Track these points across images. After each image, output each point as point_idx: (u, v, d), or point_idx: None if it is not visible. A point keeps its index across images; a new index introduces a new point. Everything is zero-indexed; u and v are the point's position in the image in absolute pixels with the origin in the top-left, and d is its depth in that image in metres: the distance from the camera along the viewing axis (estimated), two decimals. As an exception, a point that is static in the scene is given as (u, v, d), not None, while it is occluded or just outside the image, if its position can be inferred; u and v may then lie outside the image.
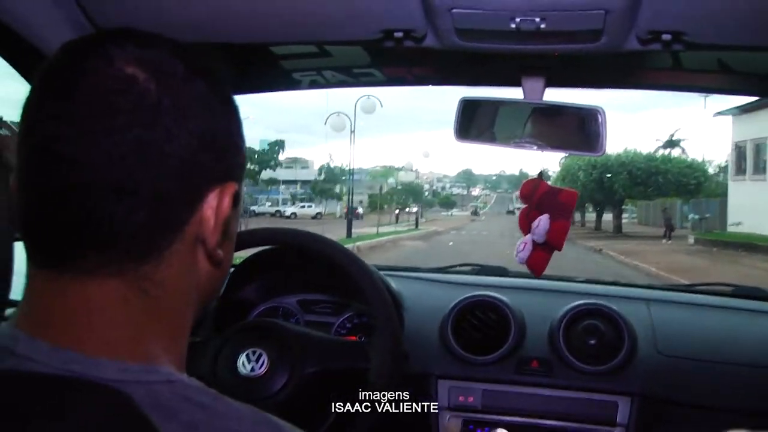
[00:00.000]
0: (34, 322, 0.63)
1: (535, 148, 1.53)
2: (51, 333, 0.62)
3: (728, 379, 1.74)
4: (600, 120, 1.46)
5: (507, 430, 1.74)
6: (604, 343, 1.75)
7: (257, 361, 1.40)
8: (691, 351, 1.81)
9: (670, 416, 1.73)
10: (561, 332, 1.77)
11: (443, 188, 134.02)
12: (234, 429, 0.62)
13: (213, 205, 0.68)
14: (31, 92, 0.65)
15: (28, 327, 0.63)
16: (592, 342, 1.76)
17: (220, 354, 1.43)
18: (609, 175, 36.51)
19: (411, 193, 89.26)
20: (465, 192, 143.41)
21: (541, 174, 1.65)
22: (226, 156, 0.70)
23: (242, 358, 1.40)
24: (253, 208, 57.51)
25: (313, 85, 1.73)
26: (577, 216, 57.68)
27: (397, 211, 49.91)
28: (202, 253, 0.69)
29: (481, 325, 1.82)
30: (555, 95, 1.52)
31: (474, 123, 1.57)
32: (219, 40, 1.38)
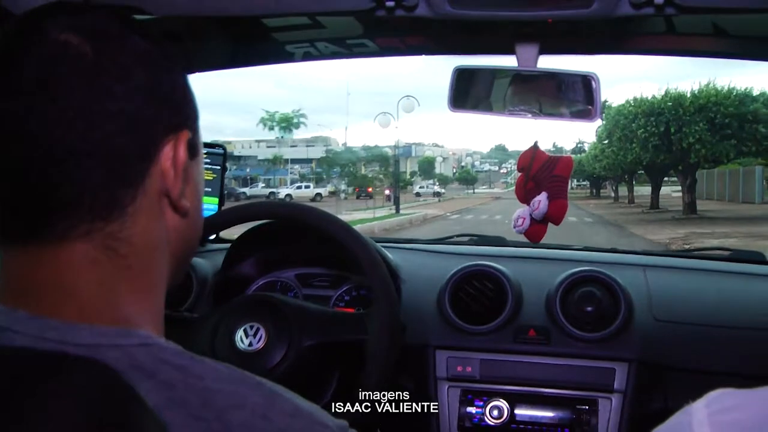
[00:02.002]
0: (12, 293, 0.65)
1: (530, 116, 1.53)
2: (28, 302, 0.64)
3: (725, 342, 1.75)
4: (594, 86, 1.46)
5: (505, 399, 1.75)
6: (601, 310, 1.76)
7: (255, 335, 1.41)
8: (688, 316, 1.82)
9: (667, 381, 1.74)
10: (558, 300, 1.78)
11: (473, 164, 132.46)
12: (210, 387, 0.63)
13: (170, 156, 0.69)
14: None
15: (6, 298, 0.64)
16: (589, 309, 1.77)
17: (218, 329, 1.43)
18: (679, 127, 26.72)
19: (423, 169, 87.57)
20: (497, 168, 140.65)
21: (535, 145, 1.65)
22: (176, 107, 0.71)
23: (240, 332, 1.41)
24: (243, 190, 55.87)
25: (307, 56, 1.72)
26: (620, 190, 51.87)
27: (387, 191, 45.66)
28: (168, 205, 0.71)
29: (478, 295, 1.83)
30: (549, 62, 1.51)
31: (470, 92, 1.57)
32: (211, 13, 1.37)
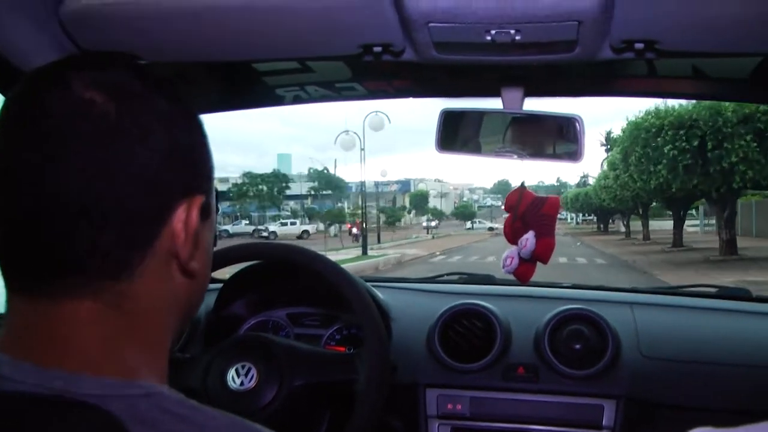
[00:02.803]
0: (16, 344, 0.64)
1: (516, 157, 1.56)
2: (33, 354, 0.64)
3: (713, 379, 1.76)
4: (578, 128, 1.49)
5: None
6: (589, 348, 1.77)
7: (246, 375, 1.42)
8: (675, 353, 1.83)
9: (656, 418, 1.74)
10: (546, 338, 1.79)
11: (475, 200, 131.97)
12: None
13: (182, 219, 0.69)
14: None
15: (10, 349, 0.64)
16: (577, 347, 1.78)
17: (210, 369, 1.44)
18: (718, 143, 20.56)
19: (415, 203, 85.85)
20: (499, 203, 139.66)
21: (522, 185, 1.68)
22: (192, 170, 0.71)
23: (231, 372, 1.42)
24: (226, 228, 54.22)
25: (297, 100, 1.74)
26: (633, 223, 46.32)
27: (351, 228, 41.82)
28: (176, 266, 0.71)
29: (467, 333, 1.84)
30: (535, 105, 1.54)
31: (458, 134, 1.60)
32: (202, 59, 1.40)
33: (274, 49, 1.35)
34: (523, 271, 1.64)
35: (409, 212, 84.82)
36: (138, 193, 0.65)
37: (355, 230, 39.03)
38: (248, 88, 1.70)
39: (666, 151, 22.06)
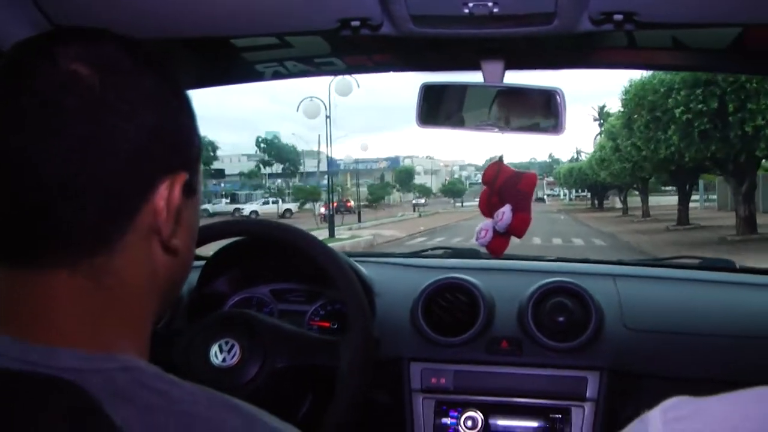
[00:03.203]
0: None
1: (497, 130, 1.56)
2: (12, 327, 0.63)
3: (696, 350, 1.78)
4: (559, 101, 1.49)
5: (479, 409, 1.77)
6: (572, 320, 1.78)
7: (229, 351, 1.41)
8: (659, 324, 1.84)
9: (639, 389, 1.76)
10: (529, 311, 1.80)
11: (467, 177, 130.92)
12: (190, 411, 0.63)
13: (164, 196, 0.68)
14: None
15: None
16: (561, 319, 1.79)
17: (193, 344, 1.44)
18: (741, 104, 17.26)
19: (400, 180, 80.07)
20: None
21: (500, 159, 1.68)
22: (178, 148, 0.70)
23: (215, 348, 1.41)
24: (206, 207, 52.49)
25: (277, 75, 1.73)
26: (630, 200, 43.40)
27: (322, 209, 38.88)
28: (157, 243, 0.70)
29: (451, 307, 1.85)
30: (516, 77, 1.54)
31: (439, 108, 1.59)
32: (179, 35, 1.38)
33: (252, 24, 1.34)
34: (497, 245, 1.65)
35: (398, 190, 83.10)
36: (119, 169, 0.64)
37: (322, 210, 37.02)
38: (227, 64, 1.69)
39: (677, 114, 18.77)
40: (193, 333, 1.47)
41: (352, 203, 50.44)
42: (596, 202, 60.00)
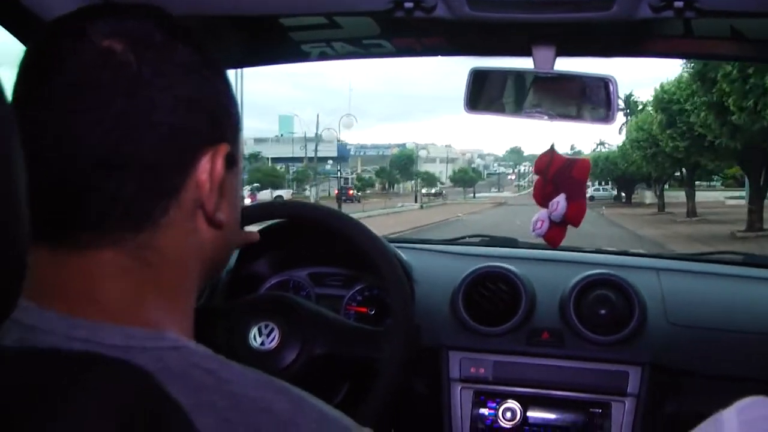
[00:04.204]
0: (39, 293, 0.64)
1: (546, 118, 1.53)
2: (55, 303, 0.63)
3: (740, 347, 1.75)
4: (611, 89, 1.46)
5: (518, 401, 1.75)
6: (615, 313, 1.76)
7: (268, 335, 1.41)
8: (702, 320, 1.81)
9: (681, 386, 1.73)
10: (571, 302, 1.78)
11: (485, 166, 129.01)
12: (239, 392, 0.63)
13: (207, 169, 0.68)
14: (18, 75, 0.66)
15: (34, 297, 0.63)
16: (603, 312, 1.76)
17: (233, 324, 1.43)
18: None
19: (399, 166, 73.39)
20: (511, 171, 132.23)
21: (552, 147, 1.65)
22: (216, 119, 0.70)
23: (254, 330, 1.41)
24: None
25: (323, 56, 1.72)
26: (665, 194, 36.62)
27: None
28: (202, 217, 0.70)
29: (491, 296, 1.83)
30: (566, 64, 1.51)
31: (486, 94, 1.57)
32: (227, 13, 1.37)
33: (302, 3, 1.32)
34: (553, 235, 1.62)
35: (397, 177, 76.64)
36: (160, 143, 0.64)
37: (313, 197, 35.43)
38: (274, 43, 1.67)
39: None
40: (234, 314, 1.46)
41: (353, 191, 49.24)
42: (622, 196, 55.93)
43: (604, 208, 36.90)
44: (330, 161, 74.64)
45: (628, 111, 68.47)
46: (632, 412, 1.70)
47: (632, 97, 71.32)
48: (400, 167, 75.08)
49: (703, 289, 1.97)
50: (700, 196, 32.07)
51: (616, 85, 1.45)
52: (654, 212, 35.44)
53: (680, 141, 24.18)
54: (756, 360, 1.72)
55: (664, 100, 25.07)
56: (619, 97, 1.48)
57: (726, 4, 1.23)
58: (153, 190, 0.65)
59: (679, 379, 1.74)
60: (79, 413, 0.51)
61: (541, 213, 1.61)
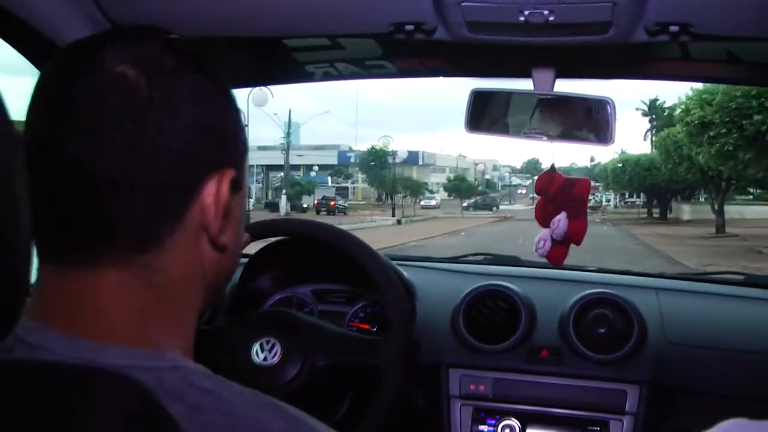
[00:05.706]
0: (45, 313, 0.65)
1: (545, 138, 1.55)
2: (60, 323, 0.64)
3: (738, 367, 1.75)
4: (609, 110, 1.48)
5: (517, 418, 1.76)
6: (614, 332, 1.77)
7: (270, 350, 1.42)
8: (701, 339, 1.82)
9: (680, 405, 1.74)
10: (571, 321, 1.79)
11: (500, 177, 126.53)
12: (237, 412, 0.63)
13: (212, 193, 0.69)
14: (32, 96, 0.67)
15: (39, 317, 0.64)
16: (602, 331, 1.77)
17: (235, 342, 1.45)
18: None
19: (366, 170, 61.82)
20: (526, 183, 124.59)
21: (552, 167, 1.67)
22: (224, 144, 0.71)
23: (256, 346, 1.42)
24: None
25: (327, 77, 1.74)
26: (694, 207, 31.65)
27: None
28: (206, 240, 0.71)
29: (491, 314, 1.84)
30: (565, 86, 1.53)
31: (487, 114, 1.60)
32: (232, 34, 1.40)
33: (305, 25, 1.35)
34: (556, 254, 1.64)
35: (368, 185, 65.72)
36: (168, 167, 0.65)
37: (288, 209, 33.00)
38: (278, 63, 1.70)
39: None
40: (235, 331, 1.48)
41: (335, 202, 45.90)
42: (653, 209, 46.06)
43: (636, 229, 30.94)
44: (316, 167, 72.81)
45: (653, 116, 67.52)
46: (630, 430, 1.71)
47: (657, 102, 70.49)
48: (366, 169, 61.35)
49: (702, 309, 1.97)
50: (748, 210, 27.08)
51: (614, 107, 1.47)
52: (711, 233, 26.88)
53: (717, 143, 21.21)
54: (755, 379, 1.72)
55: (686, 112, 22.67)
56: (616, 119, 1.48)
57: (720, 28, 1.25)
58: (159, 211, 0.66)
59: (677, 398, 1.74)
60: (80, 423, 0.52)
61: (544, 233, 1.63)
